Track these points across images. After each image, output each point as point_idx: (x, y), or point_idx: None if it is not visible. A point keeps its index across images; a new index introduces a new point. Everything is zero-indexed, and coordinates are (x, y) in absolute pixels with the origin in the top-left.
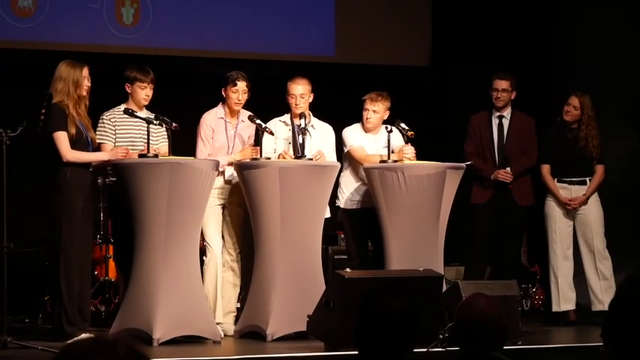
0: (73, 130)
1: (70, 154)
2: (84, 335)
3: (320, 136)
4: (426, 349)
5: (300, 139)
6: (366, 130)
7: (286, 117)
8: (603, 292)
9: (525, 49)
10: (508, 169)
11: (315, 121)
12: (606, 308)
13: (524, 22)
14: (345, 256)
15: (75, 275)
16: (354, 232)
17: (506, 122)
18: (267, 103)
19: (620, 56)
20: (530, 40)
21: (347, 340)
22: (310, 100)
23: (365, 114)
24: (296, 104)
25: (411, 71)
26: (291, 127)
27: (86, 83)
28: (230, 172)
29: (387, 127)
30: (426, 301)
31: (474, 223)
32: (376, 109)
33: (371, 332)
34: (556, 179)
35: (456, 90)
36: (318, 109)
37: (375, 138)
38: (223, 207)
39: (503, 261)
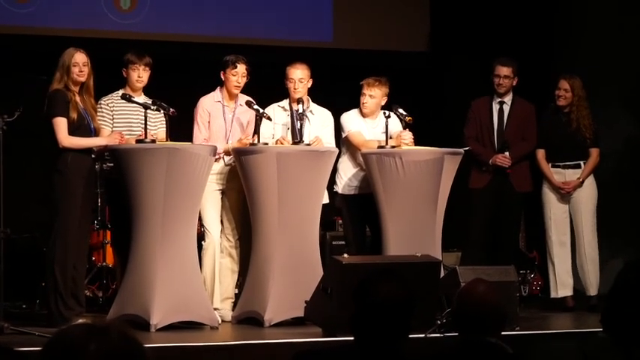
0: (74, 115)
1: (66, 140)
2: (80, 320)
3: (319, 122)
4: (423, 335)
5: (298, 125)
6: (363, 115)
7: (285, 102)
8: (591, 276)
9: (524, 35)
10: (507, 153)
11: (313, 106)
12: (595, 293)
13: (523, 7)
14: (343, 242)
15: (70, 260)
16: (352, 217)
17: (506, 108)
18: (265, 89)
19: (619, 41)
20: (529, 26)
21: (344, 325)
22: (309, 85)
23: (362, 99)
24: (295, 89)
25: (410, 57)
26: (289, 113)
27: (79, 68)
28: (229, 157)
29: (385, 113)
30: (424, 286)
31: (472, 208)
32: (372, 94)
33: (366, 319)
34: (550, 164)
35: (454, 75)
36: (316, 95)
37: (373, 123)
38: (222, 192)
39: (501, 247)
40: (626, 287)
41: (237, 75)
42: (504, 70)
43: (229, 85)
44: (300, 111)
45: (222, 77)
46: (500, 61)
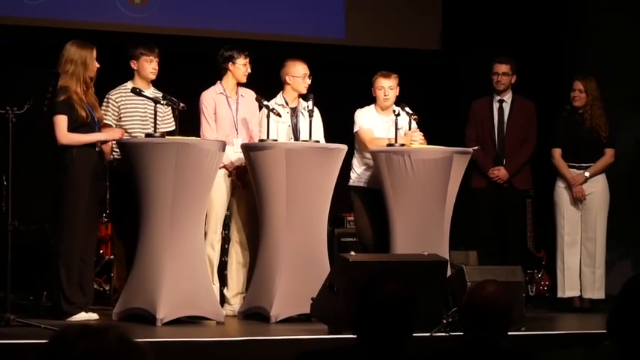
0: (83, 114)
1: (65, 137)
2: (82, 315)
3: (318, 118)
4: (429, 334)
5: (307, 122)
6: (382, 109)
7: (280, 99)
8: (595, 280)
9: (537, 36)
10: (503, 164)
11: (304, 103)
12: (595, 296)
13: (535, 7)
14: (351, 239)
15: (76, 253)
16: (363, 208)
17: (506, 106)
18: (276, 85)
19: (631, 43)
20: (541, 26)
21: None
22: None
23: (380, 93)
24: (305, 84)
25: (421, 55)
26: (289, 110)
27: (95, 64)
28: (237, 156)
29: (394, 111)
30: (430, 285)
31: (478, 208)
32: (391, 85)
33: (368, 319)
34: (567, 164)
35: (466, 74)
36: (327, 91)
37: (389, 119)
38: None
39: (507, 246)
40: (634, 295)
41: (247, 65)
42: (502, 68)
43: (240, 74)
44: (310, 108)
45: (231, 68)
46: (498, 59)
